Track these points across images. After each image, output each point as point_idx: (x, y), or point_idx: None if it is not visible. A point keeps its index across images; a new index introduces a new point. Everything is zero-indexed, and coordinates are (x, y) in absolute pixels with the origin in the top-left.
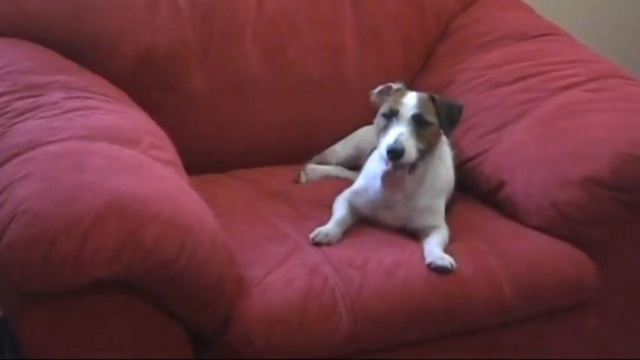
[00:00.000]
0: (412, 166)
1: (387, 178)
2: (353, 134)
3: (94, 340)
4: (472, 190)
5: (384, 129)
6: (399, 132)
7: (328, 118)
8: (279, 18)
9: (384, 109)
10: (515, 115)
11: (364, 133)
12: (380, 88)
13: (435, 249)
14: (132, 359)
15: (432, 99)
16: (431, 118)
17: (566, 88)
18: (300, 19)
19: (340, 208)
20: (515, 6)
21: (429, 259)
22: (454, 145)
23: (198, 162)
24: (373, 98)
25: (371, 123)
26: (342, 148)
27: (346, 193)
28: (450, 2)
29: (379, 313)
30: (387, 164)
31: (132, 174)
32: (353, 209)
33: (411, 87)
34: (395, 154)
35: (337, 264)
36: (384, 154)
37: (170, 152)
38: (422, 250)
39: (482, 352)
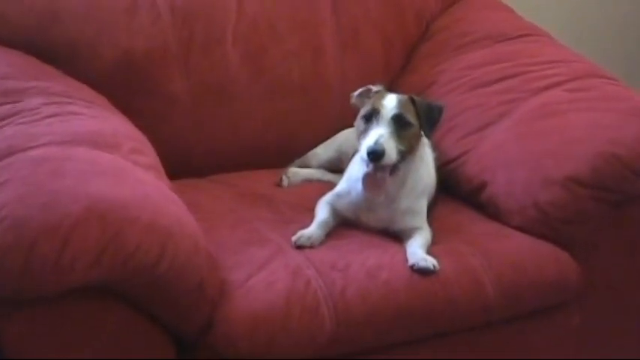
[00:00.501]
0: (393, 168)
1: (368, 179)
2: (334, 137)
3: (75, 346)
4: (454, 191)
5: (365, 131)
6: (379, 133)
7: (309, 121)
8: (259, 21)
9: (363, 111)
10: (497, 115)
11: (346, 136)
12: (360, 90)
13: (417, 250)
14: None
15: (412, 100)
16: (411, 118)
17: (546, 88)
18: (280, 22)
19: (322, 211)
20: (495, 7)
21: (411, 260)
22: (435, 147)
23: (179, 166)
24: (353, 101)
25: (352, 125)
26: (323, 151)
27: (328, 196)
28: (431, 3)
29: (362, 315)
30: (367, 166)
31: (112, 178)
32: (335, 212)
33: (391, 88)
34: (375, 155)
35: (320, 266)
36: (365, 155)
37: (151, 156)
38: (404, 252)
39: (466, 352)
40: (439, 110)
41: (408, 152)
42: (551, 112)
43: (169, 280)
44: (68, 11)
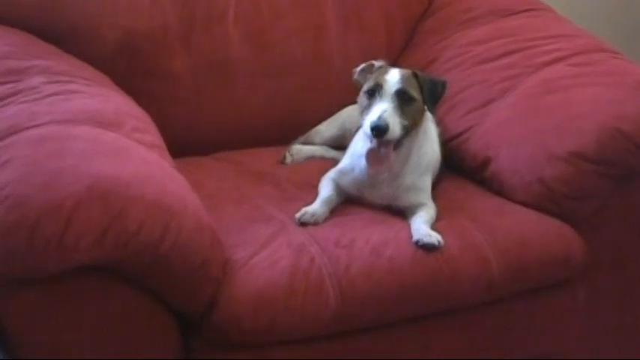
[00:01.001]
0: (397, 143)
1: (372, 155)
2: (337, 114)
3: (79, 325)
4: (458, 167)
5: (368, 106)
6: (382, 109)
7: (312, 99)
8: None
9: (366, 86)
10: (500, 91)
11: (348, 113)
12: (362, 66)
13: (421, 227)
14: (118, 343)
15: (415, 75)
16: (414, 93)
17: (550, 63)
18: (281, 0)
19: (326, 188)
20: None
21: (415, 236)
22: (439, 123)
23: (181, 145)
24: (356, 76)
25: (355, 102)
26: (326, 128)
27: (332, 173)
28: None
29: (366, 292)
30: (371, 141)
31: (114, 157)
32: (339, 189)
33: (394, 65)
34: (379, 130)
35: (324, 243)
36: (368, 131)
37: (153, 135)
38: (409, 228)
39: (470, 328)
40: (442, 85)
41: (411, 127)
42: (555, 87)
43: (173, 259)
44: None
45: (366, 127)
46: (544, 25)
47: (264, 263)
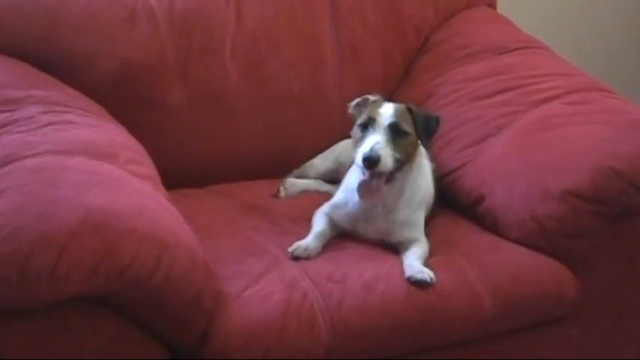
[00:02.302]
0: (389, 177)
1: (364, 187)
2: (332, 148)
3: (71, 356)
4: (452, 203)
5: (361, 139)
6: (375, 140)
7: (307, 133)
8: (258, 32)
9: (360, 119)
10: (495, 128)
11: (343, 147)
12: (357, 100)
13: (414, 262)
14: None
15: (409, 110)
16: (407, 127)
17: (545, 100)
18: (279, 34)
19: (319, 222)
20: (494, 19)
21: (408, 272)
22: (434, 159)
23: (176, 177)
24: (351, 110)
25: (350, 137)
26: (321, 162)
27: (325, 207)
28: (430, 16)
29: (359, 327)
30: (363, 173)
31: (108, 189)
32: (332, 223)
33: (390, 100)
34: (371, 161)
35: (316, 278)
36: (360, 162)
37: (148, 167)
38: (401, 264)
39: None
40: (436, 120)
41: (404, 161)
42: (550, 125)
43: (165, 292)
44: (67, 22)
45: (359, 158)
46: (539, 62)
47: (257, 297)
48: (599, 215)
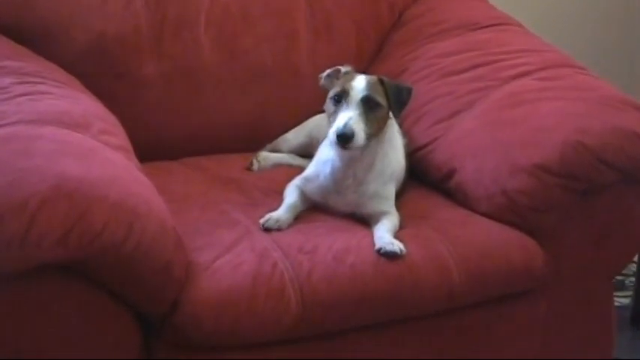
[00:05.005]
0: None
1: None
2: (305, 122)
3: (41, 325)
4: (424, 178)
5: (334, 113)
6: (348, 116)
7: (281, 107)
8: (232, 6)
9: (333, 92)
10: (467, 103)
11: (316, 122)
12: (328, 71)
13: (384, 235)
14: (79, 344)
15: (381, 81)
16: (380, 99)
17: (516, 76)
18: (253, 8)
19: (291, 195)
20: None
21: (378, 244)
22: (405, 134)
23: (149, 149)
24: (322, 82)
25: (323, 111)
26: (294, 137)
27: (297, 180)
28: None
29: (328, 298)
30: (336, 149)
31: (80, 158)
32: (304, 195)
33: (360, 71)
34: (344, 138)
35: (286, 249)
36: (334, 138)
37: (121, 138)
38: (372, 236)
39: (431, 337)
40: (408, 91)
41: (375, 134)
42: (521, 100)
43: (136, 260)
44: None
45: (332, 134)
46: (512, 39)
47: (227, 267)
48: (568, 190)
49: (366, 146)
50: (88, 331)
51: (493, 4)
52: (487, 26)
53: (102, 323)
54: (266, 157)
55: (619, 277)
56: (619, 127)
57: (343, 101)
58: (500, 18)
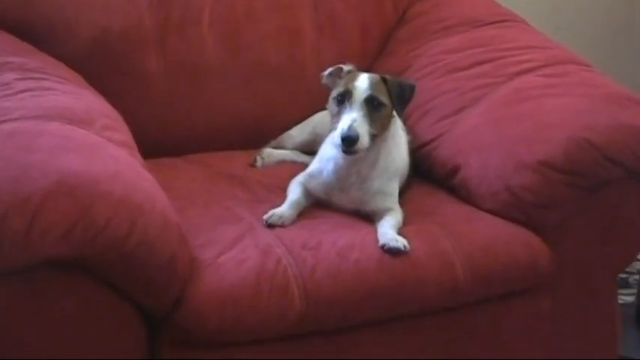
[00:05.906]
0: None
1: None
2: (309, 119)
3: (44, 321)
4: (428, 175)
5: (338, 114)
6: (352, 118)
7: (284, 103)
8: (236, 3)
9: (336, 92)
10: (471, 99)
11: (320, 119)
12: (330, 70)
13: (388, 231)
14: (83, 340)
15: (384, 80)
16: (383, 99)
17: (521, 73)
18: (257, 4)
19: (294, 191)
20: None
21: (382, 240)
22: (409, 130)
23: (153, 146)
24: (324, 80)
25: (326, 108)
26: (298, 133)
27: (301, 176)
28: None
29: (332, 294)
30: (340, 151)
31: (83, 154)
32: (307, 192)
33: (368, 72)
34: (349, 141)
35: (290, 245)
36: (339, 141)
37: (124, 134)
38: (375, 232)
39: (435, 334)
40: (411, 88)
41: (378, 135)
42: (526, 97)
43: (139, 256)
44: None
45: (337, 137)
46: (516, 35)
47: (231, 263)
48: (573, 186)
49: (370, 145)
50: (92, 327)
51: (497, 1)
52: (491, 23)
53: (106, 320)
54: (270, 153)
55: (623, 275)
56: (624, 123)
57: (346, 102)
58: (505, 15)
